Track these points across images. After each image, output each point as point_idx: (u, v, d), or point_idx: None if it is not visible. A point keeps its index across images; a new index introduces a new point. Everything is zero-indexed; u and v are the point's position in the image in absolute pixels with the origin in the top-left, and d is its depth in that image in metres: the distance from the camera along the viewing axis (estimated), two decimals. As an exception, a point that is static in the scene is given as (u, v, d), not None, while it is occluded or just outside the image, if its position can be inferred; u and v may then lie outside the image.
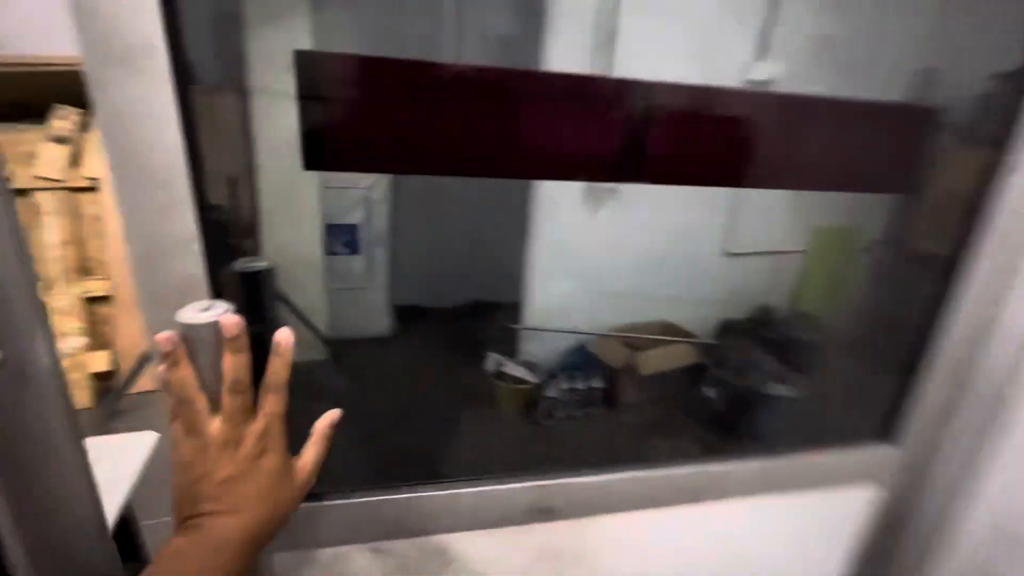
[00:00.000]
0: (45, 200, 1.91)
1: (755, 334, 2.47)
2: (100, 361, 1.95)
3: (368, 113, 0.43)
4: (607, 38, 1.82)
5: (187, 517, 0.34)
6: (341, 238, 2.40)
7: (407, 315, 2.79)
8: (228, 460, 0.34)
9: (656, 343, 2.15)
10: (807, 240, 2.53)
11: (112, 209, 1.96)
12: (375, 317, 2.55)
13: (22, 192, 1.90)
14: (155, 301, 0.39)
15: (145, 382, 1.99)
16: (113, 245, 1.97)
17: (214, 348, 0.34)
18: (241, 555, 0.33)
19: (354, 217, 2.40)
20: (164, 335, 0.34)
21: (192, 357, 0.35)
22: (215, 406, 0.35)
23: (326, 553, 0.54)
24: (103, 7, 0.32)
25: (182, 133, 0.36)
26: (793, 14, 2.05)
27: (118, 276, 1.98)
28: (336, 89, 0.43)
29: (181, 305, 0.35)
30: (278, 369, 0.36)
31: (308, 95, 0.42)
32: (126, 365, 1.96)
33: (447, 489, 0.52)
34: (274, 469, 0.36)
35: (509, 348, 2.30)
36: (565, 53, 1.88)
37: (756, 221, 2.38)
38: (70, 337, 1.90)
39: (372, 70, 0.44)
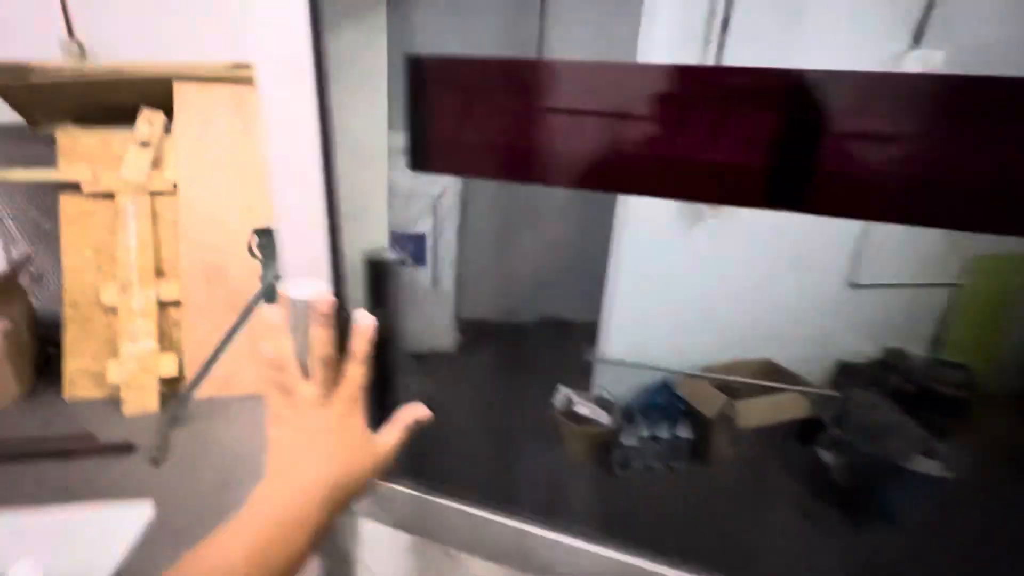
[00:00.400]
0: (127, 203, 1.93)
1: (883, 384, 2.03)
2: (168, 365, 1.96)
3: (476, 115, 0.42)
4: (719, 27, 1.52)
5: (277, 470, 0.37)
6: (407, 248, 2.28)
7: (473, 330, 2.62)
8: (318, 415, 0.38)
9: (759, 389, 1.80)
10: (962, 271, 2.05)
11: (185, 213, 1.96)
12: (438, 332, 2.41)
13: (109, 195, 1.94)
14: (289, 275, 0.44)
15: (209, 388, 1.97)
16: (185, 249, 1.96)
17: (307, 322, 0.38)
18: (322, 503, 0.35)
19: (422, 226, 2.26)
20: (268, 307, 0.39)
21: (291, 328, 0.39)
22: (305, 374, 0.39)
23: (406, 538, 0.55)
24: (266, 24, 0.38)
25: (319, 130, 0.40)
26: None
27: (188, 280, 1.97)
28: (445, 91, 0.42)
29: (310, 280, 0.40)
30: (360, 344, 0.40)
31: (417, 97, 0.42)
32: (192, 370, 1.95)
33: (516, 522, 0.49)
34: (357, 430, 0.39)
35: (581, 377, 2.05)
36: (664, 45, 1.60)
37: (893, 246, 1.95)
38: (142, 339, 1.91)
39: (482, 72, 0.42)
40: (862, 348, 2.12)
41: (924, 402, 1.92)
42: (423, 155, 0.45)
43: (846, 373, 2.12)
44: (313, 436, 0.38)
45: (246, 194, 2.00)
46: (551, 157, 0.40)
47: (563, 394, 1.83)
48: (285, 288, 0.39)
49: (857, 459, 1.61)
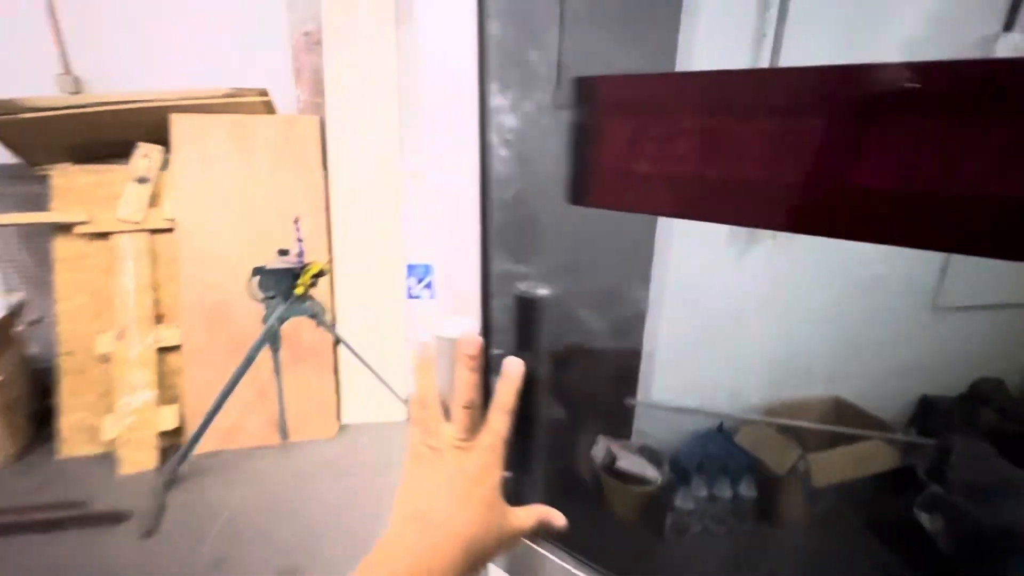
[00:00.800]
0: (124, 243, 1.80)
1: (977, 423, 1.74)
2: (167, 417, 1.80)
3: (665, 141, 0.34)
4: (775, 17, 1.31)
5: (410, 512, 0.34)
6: (424, 279, 2.10)
7: (491, 366, 2.41)
8: (456, 459, 0.36)
9: (834, 437, 1.54)
10: (1067, 288, 1.75)
11: (185, 251, 1.82)
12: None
13: (105, 236, 1.81)
14: (441, 310, 0.43)
15: (211, 441, 1.81)
16: (186, 290, 1.82)
17: (453, 362, 0.36)
18: (454, 559, 0.32)
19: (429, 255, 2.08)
20: (419, 343, 0.38)
21: (439, 366, 0.37)
22: (449, 416, 0.37)
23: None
24: (442, 76, 0.39)
25: (479, 166, 0.40)
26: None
27: (189, 323, 1.82)
28: (623, 114, 0.36)
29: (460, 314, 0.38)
30: (506, 392, 0.37)
31: (586, 123, 0.37)
32: (193, 421, 1.79)
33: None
34: (494, 486, 0.36)
35: (619, 420, 1.81)
36: (708, 44, 1.39)
37: (984, 260, 1.67)
38: (139, 391, 1.76)
39: (671, 89, 0.34)
40: (949, 380, 1.83)
41: (1032, 444, 1.62)
42: (591, 188, 0.39)
43: (930, 410, 1.83)
44: (449, 481, 0.35)
45: (249, 229, 1.85)
46: (769, 192, 0.30)
47: (603, 446, 1.59)
48: (436, 324, 0.38)
49: (968, 526, 1.33)
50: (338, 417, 2.00)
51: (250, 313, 1.75)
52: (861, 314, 1.68)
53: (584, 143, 0.36)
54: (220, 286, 1.83)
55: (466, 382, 0.36)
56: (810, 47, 1.36)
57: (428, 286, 2.11)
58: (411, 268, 2.07)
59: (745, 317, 1.64)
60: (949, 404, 1.82)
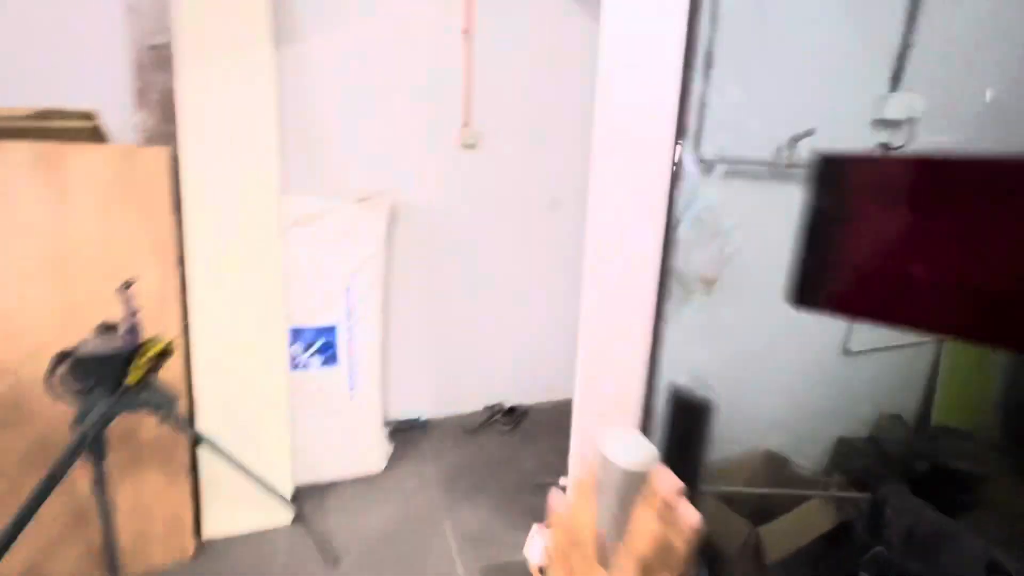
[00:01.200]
0: None
1: (885, 460, 1.78)
2: (-85, 573, 1.23)
3: (931, 243, 0.26)
4: (702, 65, 1.24)
5: None
6: (313, 344, 1.74)
7: (405, 438, 2.09)
8: None
9: (775, 502, 1.45)
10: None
11: (-44, 329, 1.30)
12: (361, 451, 1.85)
13: None
14: (587, 412, 0.39)
15: (-7, 596, 1.27)
16: (-45, 383, 1.29)
17: (626, 496, 0.29)
18: None
19: (330, 316, 1.74)
20: (581, 467, 0.31)
21: (600, 494, 0.30)
22: (602, 557, 0.30)
23: None
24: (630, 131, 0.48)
25: (663, 235, 0.45)
26: (933, 29, 1.49)
27: (-40, 430, 1.29)
28: (882, 203, 0.29)
29: (612, 420, 0.39)
30: (675, 544, 0.28)
31: (828, 210, 0.30)
32: (-39, 573, 1.24)
33: None
34: None
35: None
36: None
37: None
38: None
39: (951, 177, 0.25)
40: (858, 419, 1.88)
41: (935, 478, 1.68)
42: (833, 290, 0.30)
43: (846, 451, 1.86)
44: None
45: (61, 294, 1.39)
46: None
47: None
48: (602, 442, 0.30)
49: (913, 586, 1.28)
50: (197, 532, 1.54)
51: (59, 413, 1.28)
52: (782, 365, 1.66)
53: (826, 235, 0.28)
54: (13, 374, 1.33)
55: (650, 531, 0.28)
56: (723, 105, 1.32)
57: (321, 351, 1.75)
58: (297, 333, 1.71)
59: (676, 374, 1.53)
60: (861, 446, 1.86)
